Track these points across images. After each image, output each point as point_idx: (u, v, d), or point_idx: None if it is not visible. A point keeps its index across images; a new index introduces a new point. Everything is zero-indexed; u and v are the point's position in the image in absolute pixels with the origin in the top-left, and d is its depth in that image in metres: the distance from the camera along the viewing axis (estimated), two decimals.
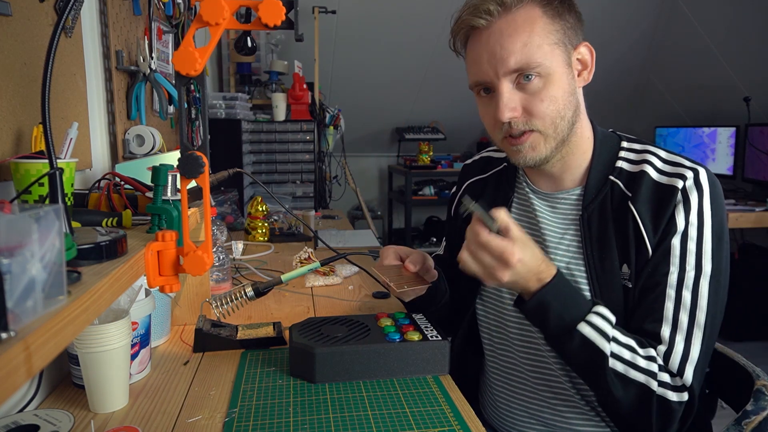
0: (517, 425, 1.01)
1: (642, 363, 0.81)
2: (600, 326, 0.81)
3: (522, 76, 0.84)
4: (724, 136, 3.28)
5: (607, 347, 0.81)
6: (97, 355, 0.83)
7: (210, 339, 1.06)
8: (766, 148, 2.99)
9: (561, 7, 0.86)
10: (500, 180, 1.07)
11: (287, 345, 1.06)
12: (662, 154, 0.91)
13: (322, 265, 1.10)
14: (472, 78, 0.90)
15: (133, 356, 0.92)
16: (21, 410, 0.82)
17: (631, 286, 0.87)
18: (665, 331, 0.83)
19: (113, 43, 1.30)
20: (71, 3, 0.74)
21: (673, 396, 0.81)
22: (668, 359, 0.82)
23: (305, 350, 0.92)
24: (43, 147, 0.84)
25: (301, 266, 1.14)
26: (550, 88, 0.85)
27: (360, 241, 2.02)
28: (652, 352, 0.83)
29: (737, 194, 3.15)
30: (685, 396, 0.81)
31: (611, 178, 0.91)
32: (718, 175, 3.52)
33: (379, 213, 4.54)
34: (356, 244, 1.94)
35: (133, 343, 0.91)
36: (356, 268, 1.58)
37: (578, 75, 0.90)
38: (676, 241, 0.84)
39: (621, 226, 0.89)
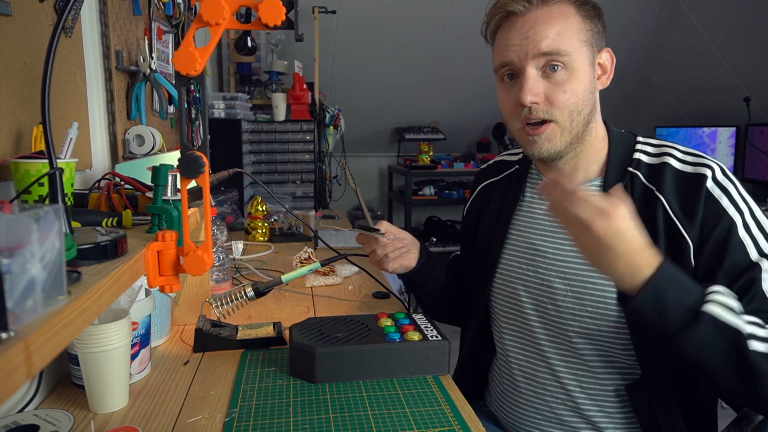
0: (523, 421, 1.02)
1: None
2: (726, 303, 0.75)
3: (549, 65, 0.87)
4: (725, 136, 3.28)
5: (743, 325, 0.74)
6: (97, 355, 0.82)
7: (210, 339, 1.06)
8: (766, 148, 2.99)
9: (593, 11, 0.91)
10: (510, 182, 1.08)
11: (287, 345, 1.06)
12: (680, 147, 0.94)
13: (323, 265, 1.10)
14: (499, 59, 0.92)
15: (133, 356, 0.92)
16: (21, 410, 0.82)
17: None
18: None
19: (113, 43, 1.29)
20: (71, 3, 0.74)
21: None
22: None
23: (305, 350, 0.92)
24: (43, 147, 0.84)
25: (301, 266, 1.14)
26: (573, 82, 0.88)
27: None
28: None
29: None
30: None
31: (630, 169, 0.93)
32: None
33: (379, 213, 4.53)
34: (356, 244, 1.93)
35: (133, 343, 0.91)
36: (356, 268, 1.58)
37: (597, 78, 0.93)
38: (743, 233, 0.85)
39: (646, 217, 0.88)
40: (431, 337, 0.96)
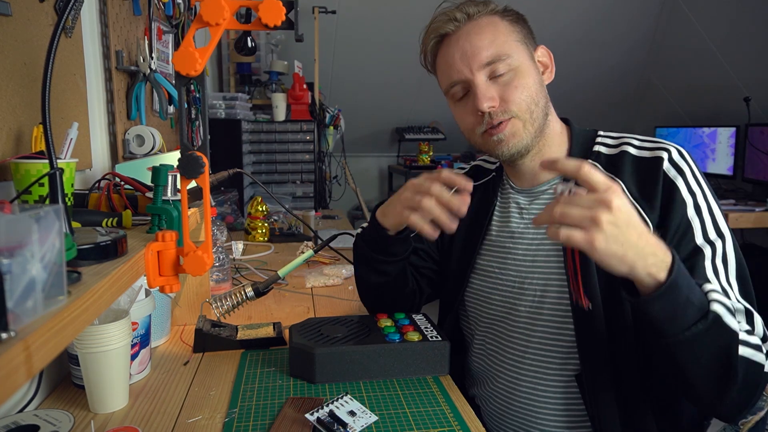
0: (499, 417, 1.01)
1: (752, 339, 0.75)
2: (726, 303, 0.72)
3: (494, 70, 0.91)
4: (725, 136, 3.28)
5: (736, 325, 0.72)
6: (97, 355, 0.83)
7: (210, 339, 1.06)
8: (766, 148, 2.99)
9: (516, 16, 0.96)
10: (486, 188, 1.09)
11: (287, 345, 1.06)
12: (638, 136, 0.96)
13: (315, 252, 1.10)
14: (447, 80, 0.97)
15: (133, 356, 0.92)
16: (21, 410, 0.82)
17: None
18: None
19: (113, 43, 1.30)
20: (71, 3, 0.74)
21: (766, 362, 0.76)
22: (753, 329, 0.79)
23: (305, 350, 0.92)
24: (43, 147, 0.84)
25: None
26: (522, 77, 0.91)
27: None
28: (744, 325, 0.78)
29: (737, 194, 3.14)
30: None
31: (589, 161, 0.94)
32: (718, 175, 3.48)
33: None
34: None
35: (133, 343, 0.92)
36: None
37: (542, 73, 0.96)
38: (692, 213, 0.85)
39: None
40: (431, 337, 0.96)
